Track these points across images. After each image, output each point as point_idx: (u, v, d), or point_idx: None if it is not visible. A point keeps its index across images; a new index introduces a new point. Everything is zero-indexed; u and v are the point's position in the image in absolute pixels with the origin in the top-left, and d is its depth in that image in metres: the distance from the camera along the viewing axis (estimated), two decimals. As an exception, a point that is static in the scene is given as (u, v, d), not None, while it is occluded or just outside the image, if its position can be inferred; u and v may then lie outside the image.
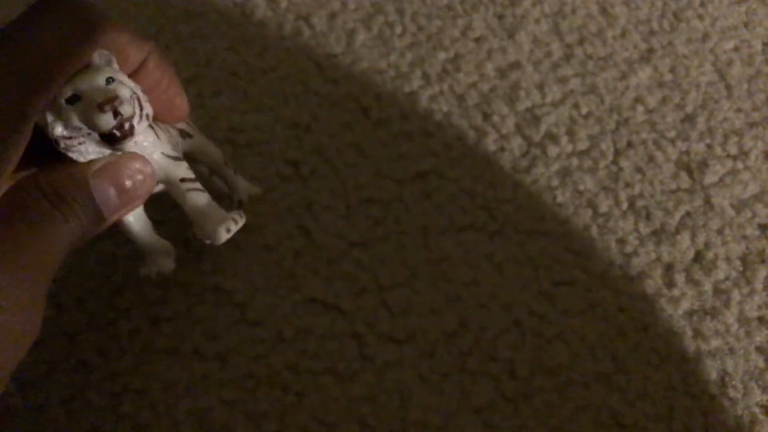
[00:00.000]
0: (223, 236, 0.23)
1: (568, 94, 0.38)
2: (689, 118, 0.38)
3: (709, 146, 0.37)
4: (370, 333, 0.29)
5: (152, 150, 0.22)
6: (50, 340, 0.27)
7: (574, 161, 0.36)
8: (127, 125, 0.19)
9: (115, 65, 0.20)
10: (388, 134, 0.35)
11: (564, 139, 0.36)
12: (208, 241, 0.23)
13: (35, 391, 0.26)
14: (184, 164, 0.23)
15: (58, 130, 0.19)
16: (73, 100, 0.19)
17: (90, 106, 0.18)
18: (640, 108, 0.38)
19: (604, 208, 0.34)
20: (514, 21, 0.41)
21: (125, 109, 0.19)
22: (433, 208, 0.33)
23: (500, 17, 0.41)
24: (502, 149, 0.35)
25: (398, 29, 0.39)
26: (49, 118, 0.19)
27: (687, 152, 0.37)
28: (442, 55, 0.38)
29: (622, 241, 0.33)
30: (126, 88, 0.19)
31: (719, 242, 0.34)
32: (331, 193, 0.33)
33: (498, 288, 0.31)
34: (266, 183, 0.32)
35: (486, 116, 0.36)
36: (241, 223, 0.24)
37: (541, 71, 0.39)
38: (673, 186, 0.35)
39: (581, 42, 0.41)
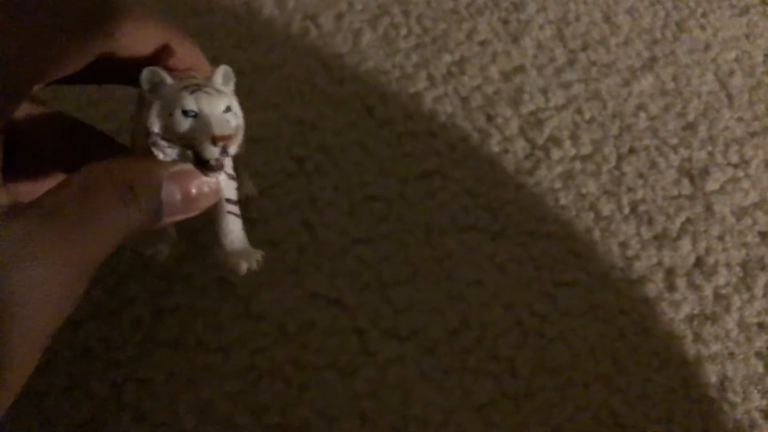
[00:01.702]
0: (243, 271, 0.22)
1: (571, 99, 0.38)
2: (691, 126, 0.38)
3: (710, 154, 0.37)
4: (372, 329, 0.29)
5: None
6: (53, 329, 0.27)
7: (577, 165, 0.36)
8: (226, 161, 0.20)
9: (233, 85, 0.20)
10: (392, 134, 0.35)
11: (567, 143, 0.36)
12: (226, 268, 0.23)
13: (37, 378, 0.26)
14: (234, 184, 0.23)
15: (156, 128, 0.19)
16: (190, 114, 0.19)
17: (205, 132, 0.19)
18: (642, 115, 0.38)
19: (606, 211, 0.34)
20: (519, 26, 0.41)
21: (232, 150, 0.19)
22: (437, 207, 0.33)
23: (505, 22, 0.41)
24: (506, 151, 0.35)
25: (404, 31, 0.39)
26: (154, 111, 0.19)
27: (689, 159, 0.37)
28: (447, 58, 0.39)
29: (623, 245, 0.33)
30: (236, 119, 0.20)
31: (720, 248, 0.34)
32: (336, 190, 0.33)
33: (500, 288, 0.31)
34: (271, 179, 0.32)
35: (490, 118, 0.37)
36: (262, 263, 0.23)
37: (544, 76, 0.39)
38: (675, 192, 0.36)
39: (585, 48, 0.41)
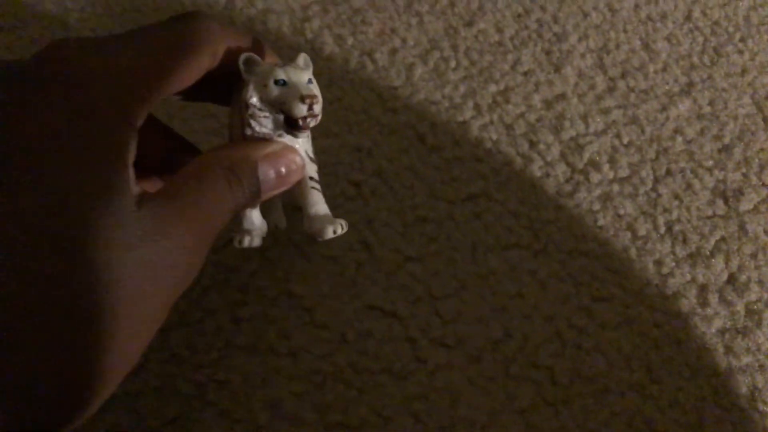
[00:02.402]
0: (329, 235, 0.26)
1: (610, 125, 0.41)
2: (726, 149, 0.40)
3: (744, 175, 0.39)
4: (423, 338, 0.32)
5: (304, 147, 0.26)
6: (146, 334, 0.31)
7: (615, 187, 0.38)
8: (311, 120, 0.24)
9: (311, 70, 0.25)
10: (441, 159, 0.38)
11: (606, 167, 0.39)
12: (316, 237, 0.27)
13: (132, 379, 0.30)
14: (315, 167, 0.27)
15: (254, 99, 0.23)
16: (280, 83, 0.23)
17: (294, 94, 0.23)
18: (679, 138, 0.41)
19: (642, 231, 0.37)
20: (561, 56, 0.44)
21: (317, 108, 0.23)
22: (482, 227, 0.36)
23: (548, 52, 0.44)
24: (547, 175, 0.38)
25: (452, 64, 0.43)
26: (251, 86, 0.23)
27: (723, 180, 0.39)
28: (492, 88, 0.42)
29: (659, 263, 0.36)
30: (317, 90, 0.24)
31: (752, 266, 0.36)
32: (390, 212, 0.36)
33: (541, 301, 0.34)
34: (332, 201, 0.36)
35: (532, 144, 0.39)
36: (345, 230, 0.27)
37: (585, 103, 0.42)
38: (709, 212, 0.38)
39: (624, 75, 0.43)
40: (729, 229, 0.37)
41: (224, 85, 0.26)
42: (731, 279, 0.35)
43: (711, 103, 0.43)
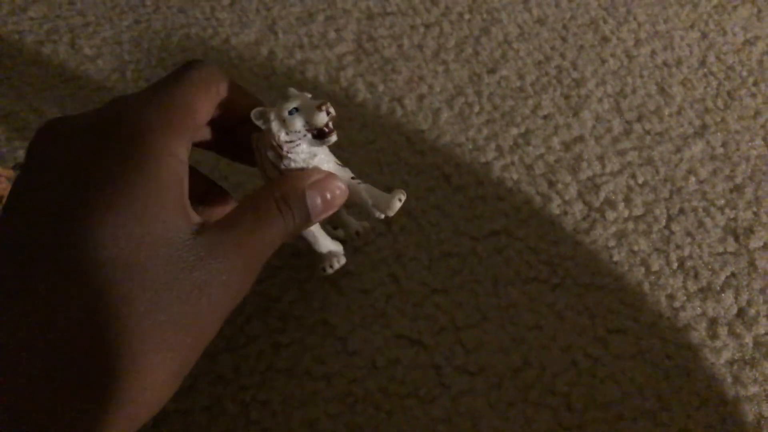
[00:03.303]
0: (397, 206, 0.30)
1: (626, 165, 0.43)
2: (738, 188, 0.42)
3: (755, 214, 0.41)
4: (447, 365, 0.35)
5: (329, 159, 0.29)
6: (196, 358, 0.34)
7: (630, 225, 0.41)
8: (332, 123, 0.27)
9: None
10: (465, 198, 0.41)
11: (621, 205, 0.41)
12: (382, 215, 0.30)
13: (183, 398, 0.33)
14: (348, 169, 0.31)
15: (282, 135, 0.27)
16: (293, 111, 0.27)
17: (310, 109, 0.27)
18: (692, 178, 0.43)
19: (656, 267, 0.39)
20: (579, 100, 0.47)
21: (332, 109, 0.27)
22: (503, 261, 0.39)
23: (566, 97, 0.47)
24: (565, 213, 0.41)
25: (476, 108, 0.46)
26: (275, 128, 0.27)
27: (734, 219, 0.41)
28: (513, 131, 0.45)
29: (671, 297, 0.38)
30: None
31: (761, 300, 0.38)
32: (417, 247, 0.39)
33: (558, 332, 0.36)
34: (364, 238, 0.39)
35: (551, 184, 0.42)
36: (405, 196, 0.31)
37: (602, 145, 0.44)
38: (720, 249, 0.40)
39: (640, 119, 0.46)
40: (739, 265, 0.39)
41: (226, 135, 0.29)
42: (740, 313, 0.37)
43: (724, 145, 0.45)
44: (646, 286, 0.38)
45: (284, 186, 0.27)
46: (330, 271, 0.33)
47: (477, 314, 0.37)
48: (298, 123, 0.27)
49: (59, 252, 0.20)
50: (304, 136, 0.27)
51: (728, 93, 0.48)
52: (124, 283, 0.20)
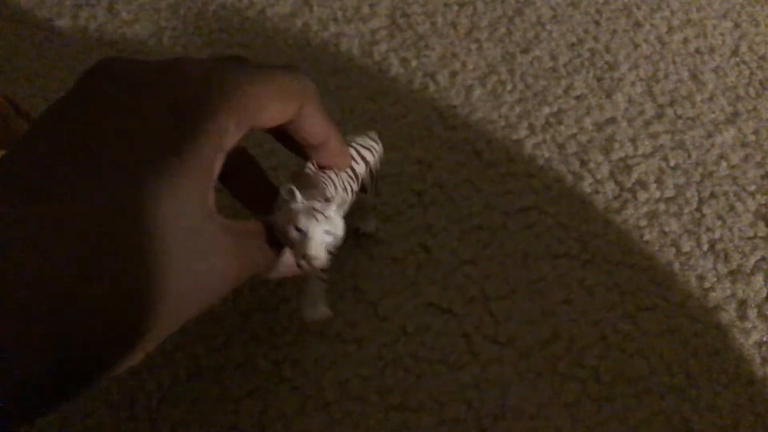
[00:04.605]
0: (312, 318, 0.30)
1: (658, 148, 0.43)
2: (769, 175, 0.42)
3: (787, 200, 0.41)
4: (476, 334, 0.35)
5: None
6: (229, 317, 0.35)
7: (662, 206, 0.41)
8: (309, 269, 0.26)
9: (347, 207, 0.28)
10: (496, 173, 0.42)
11: (653, 187, 0.41)
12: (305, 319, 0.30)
13: (217, 355, 0.34)
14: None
15: (281, 223, 0.25)
16: (300, 230, 0.25)
17: (300, 251, 0.25)
18: (723, 164, 0.43)
19: (686, 248, 0.39)
20: (612, 83, 0.47)
21: (316, 264, 0.25)
22: (533, 237, 0.39)
23: (599, 79, 0.47)
24: (597, 192, 0.41)
25: (509, 87, 0.46)
26: (283, 214, 0.25)
27: (765, 205, 0.41)
28: (546, 110, 0.45)
29: (701, 278, 0.38)
30: (333, 238, 0.26)
31: (791, 284, 0.38)
32: (448, 219, 0.39)
33: (588, 307, 0.36)
34: (395, 208, 0.39)
35: (583, 163, 0.42)
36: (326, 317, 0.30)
37: (634, 127, 0.44)
38: (751, 233, 0.40)
39: (672, 103, 0.46)
40: (770, 250, 0.39)
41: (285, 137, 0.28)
42: (770, 296, 0.37)
43: (755, 132, 0.45)
44: (677, 267, 0.38)
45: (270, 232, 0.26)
46: (316, 318, 0.31)
47: (506, 286, 0.37)
48: (292, 241, 0.25)
49: (82, 200, 0.19)
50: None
51: (760, 82, 0.48)
52: (149, 255, 0.20)
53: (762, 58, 0.50)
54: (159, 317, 0.20)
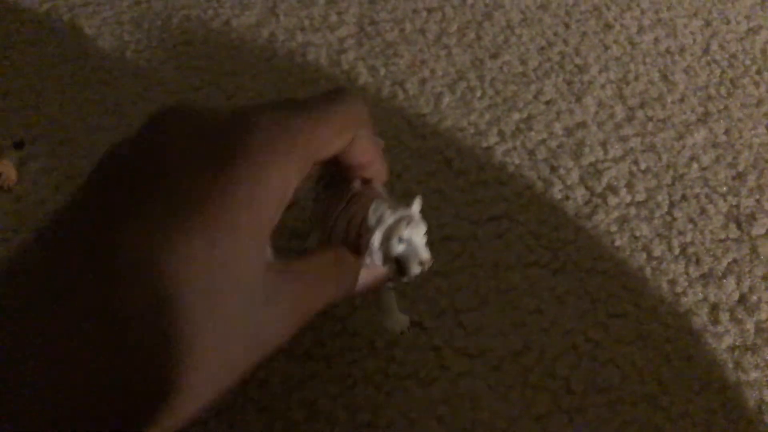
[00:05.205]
0: (396, 329, 0.33)
1: (628, 152, 0.43)
2: (740, 176, 0.42)
3: (758, 201, 0.41)
4: (447, 347, 0.35)
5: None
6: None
7: (632, 210, 0.40)
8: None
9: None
10: (466, 182, 0.41)
11: (623, 191, 0.41)
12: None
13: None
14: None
15: (376, 245, 0.26)
16: (403, 241, 0.26)
17: (413, 257, 0.26)
18: (694, 165, 0.43)
19: (657, 252, 0.39)
20: (582, 86, 0.47)
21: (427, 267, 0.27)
22: (504, 246, 0.38)
23: (569, 83, 0.47)
24: (567, 198, 0.41)
25: (478, 93, 0.45)
26: (377, 234, 0.26)
27: (737, 206, 0.41)
28: (516, 116, 0.44)
29: (672, 282, 0.38)
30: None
31: (763, 287, 0.37)
32: (418, 231, 0.39)
33: (558, 316, 0.36)
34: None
35: (553, 169, 0.42)
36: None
37: (604, 131, 0.44)
38: (722, 236, 0.40)
39: (642, 105, 0.46)
40: (741, 252, 0.39)
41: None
42: (742, 299, 0.37)
43: (726, 132, 0.45)
44: (648, 272, 0.38)
45: (344, 258, 0.26)
46: (399, 329, 0.34)
47: (477, 298, 0.36)
48: (396, 253, 0.26)
49: (137, 252, 0.19)
50: (392, 262, 0.26)
51: (731, 81, 0.48)
52: (196, 304, 0.19)
53: (733, 56, 0.50)
54: (200, 362, 0.19)
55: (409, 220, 0.26)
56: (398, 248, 0.26)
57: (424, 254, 0.26)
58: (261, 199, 0.21)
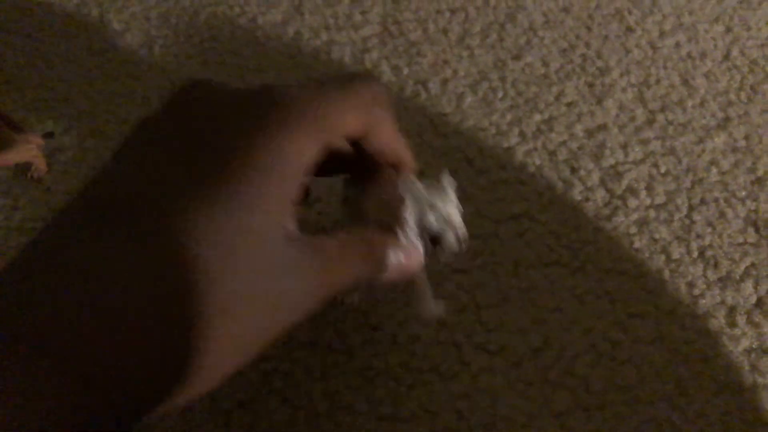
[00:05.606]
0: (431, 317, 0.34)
1: (648, 155, 0.44)
2: (759, 181, 0.42)
3: (777, 206, 0.41)
4: (467, 343, 0.35)
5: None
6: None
7: (652, 213, 0.41)
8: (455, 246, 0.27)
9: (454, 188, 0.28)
10: (488, 181, 0.42)
11: (643, 194, 0.42)
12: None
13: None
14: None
15: (411, 221, 0.25)
16: (438, 216, 0.26)
17: (450, 231, 0.26)
18: (714, 170, 0.43)
19: (676, 255, 0.39)
20: (603, 89, 0.47)
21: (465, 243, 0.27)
22: (524, 245, 0.39)
23: (590, 85, 0.47)
24: (587, 199, 0.41)
25: (500, 94, 0.46)
26: (409, 208, 0.25)
27: (755, 211, 0.41)
28: (537, 117, 0.45)
29: (690, 285, 0.38)
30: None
31: (781, 291, 0.38)
32: (439, 228, 0.39)
33: (578, 315, 0.36)
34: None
35: (573, 170, 0.42)
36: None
37: (625, 133, 0.45)
38: (741, 240, 0.40)
39: (663, 109, 0.46)
40: (759, 256, 0.39)
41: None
42: (759, 302, 0.37)
43: (746, 138, 0.45)
44: (667, 274, 0.38)
45: (372, 235, 0.26)
46: (436, 315, 0.33)
47: (498, 295, 0.37)
48: (433, 228, 0.25)
49: (158, 218, 0.20)
50: (425, 236, 0.26)
51: (751, 87, 0.48)
52: (217, 266, 0.20)
53: (753, 62, 0.50)
54: (221, 332, 0.20)
55: (443, 194, 0.26)
56: (434, 222, 0.25)
57: (461, 228, 0.25)
58: (279, 170, 0.21)
